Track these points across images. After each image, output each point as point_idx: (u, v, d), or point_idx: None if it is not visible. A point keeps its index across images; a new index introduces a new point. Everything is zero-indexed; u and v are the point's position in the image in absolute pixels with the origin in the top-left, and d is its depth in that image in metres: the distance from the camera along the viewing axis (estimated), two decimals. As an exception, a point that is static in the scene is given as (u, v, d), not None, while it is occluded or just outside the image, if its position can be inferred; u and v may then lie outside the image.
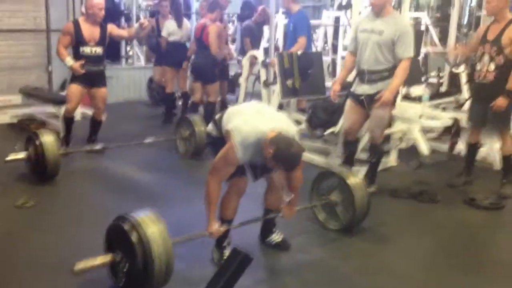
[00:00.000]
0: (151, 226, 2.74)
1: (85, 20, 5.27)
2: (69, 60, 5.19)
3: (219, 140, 3.18)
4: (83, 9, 5.62)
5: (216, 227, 3.09)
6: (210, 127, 3.33)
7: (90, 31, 5.25)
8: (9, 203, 4.09)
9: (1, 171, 4.75)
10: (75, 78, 5.31)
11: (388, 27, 4.17)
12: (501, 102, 4.37)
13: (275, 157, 2.83)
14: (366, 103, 4.34)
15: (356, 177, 3.74)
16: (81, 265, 2.67)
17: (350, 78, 4.68)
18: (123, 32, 5.42)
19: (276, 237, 3.52)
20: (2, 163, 4.56)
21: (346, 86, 5.00)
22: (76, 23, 5.26)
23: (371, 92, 4.29)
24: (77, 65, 5.18)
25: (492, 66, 4.45)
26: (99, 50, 5.32)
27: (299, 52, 5.48)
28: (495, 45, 4.41)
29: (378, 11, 4.21)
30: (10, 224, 3.82)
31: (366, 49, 4.25)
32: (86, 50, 5.25)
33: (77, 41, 5.21)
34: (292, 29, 6.30)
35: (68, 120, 5.53)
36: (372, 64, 4.25)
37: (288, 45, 6.31)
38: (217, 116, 3.31)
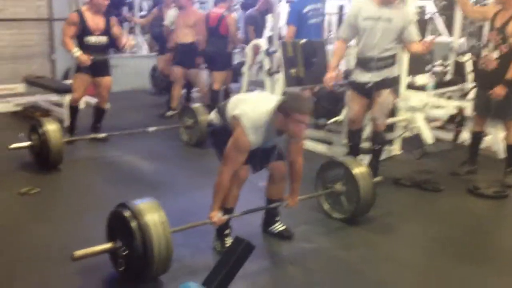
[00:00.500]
0: (151, 214, 2.74)
1: (88, 9, 5.25)
2: (76, 51, 5.18)
3: (221, 129, 3.19)
4: None
5: (219, 215, 3.10)
6: (213, 115, 3.32)
7: (94, 20, 5.24)
8: (13, 191, 4.11)
9: (5, 159, 4.78)
10: (80, 67, 5.30)
11: (396, 15, 4.20)
12: (499, 90, 4.36)
13: (285, 109, 2.92)
14: (373, 90, 4.33)
15: (361, 167, 3.72)
16: (81, 252, 2.68)
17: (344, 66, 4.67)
18: (118, 33, 5.44)
19: (278, 226, 3.52)
20: (6, 151, 4.57)
21: (346, 75, 4.99)
22: (80, 13, 5.24)
23: (377, 79, 4.30)
24: (85, 56, 5.17)
25: (495, 54, 4.43)
26: (104, 39, 5.31)
27: (302, 41, 5.44)
28: (501, 33, 4.38)
29: (387, 0, 4.20)
30: (14, 211, 3.84)
31: (374, 37, 4.24)
32: (92, 39, 5.24)
33: (83, 31, 5.19)
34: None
35: (74, 109, 5.56)
36: (381, 51, 4.26)
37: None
38: (220, 104, 3.30)
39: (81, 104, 5.99)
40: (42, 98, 6.76)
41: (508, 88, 4.37)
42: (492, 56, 4.46)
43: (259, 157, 3.21)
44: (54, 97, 6.46)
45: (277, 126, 3.00)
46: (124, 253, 2.75)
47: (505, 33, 4.36)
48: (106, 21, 5.31)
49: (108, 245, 2.81)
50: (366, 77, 4.34)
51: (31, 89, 6.80)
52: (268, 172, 3.39)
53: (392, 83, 4.33)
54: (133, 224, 2.71)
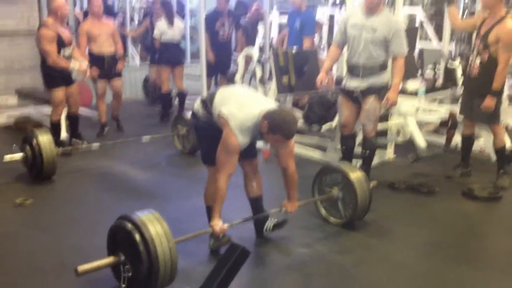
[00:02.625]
0: (153, 225, 2.72)
1: (54, 21, 5.18)
2: (74, 63, 5.21)
3: (205, 124, 3.21)
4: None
5: (220, 225, 3.09)
6: (197, 106, 3.30)
7: (65, 33, 5.27)
8: (7, 202, 4.09)
9: (-1, 171, 4.76)
10: (55, 82, 5.25)
11: (381, 25, 4.21)
12: (488, 103, 4.40)
13: (271, 126, 2.94)
14: (360, 97, 4.37)
15: (358, 172, 3.73)
16: (85, 266, 2.66)
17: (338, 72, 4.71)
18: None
19: (270, 222, 3.51)
20: (0, 163, 4.55)
21: (338, 81, 5.03)
22: (51, 27, 5.17)
23: (363, 86, 4.34)
24: (83, 66, 5.26)
25: (477, 61, 4.48)
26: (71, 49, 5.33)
27: (293, 50, 5.50)
28: (483, 41, 4.43)
29: (371, 9, 4.23)
30: (9, 222, 3.83)
31: (359, 45, 4.29)
32: (67, 52, 5.24)
33: (58, 44, 5.17)
34: (299, 27, 6.32)
35: (57, 124, 5.51)
36: (366, 59, 4.30)
37: (292, 42, 6.27)
38: (206, 96, 3.31)
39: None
40: (34, 110, 6.74)
41: (491, 95, 4.39)
42: (476, 62, 4.50)
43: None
44: (46, 109, 6.43)
45: (260, 130, 3.03)
46: (128, 267, 2.72)
47: (487, 40, 4.40)
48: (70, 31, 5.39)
49: (111, 259, 2.78)
50: (353, 84, 4.40)
51: (23, 102, 6.77)
52: (243, 170, 3.40)
53: (378, 90, 4.33)
54: (137, 237, 2.67)
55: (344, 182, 3.68)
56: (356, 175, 3.67)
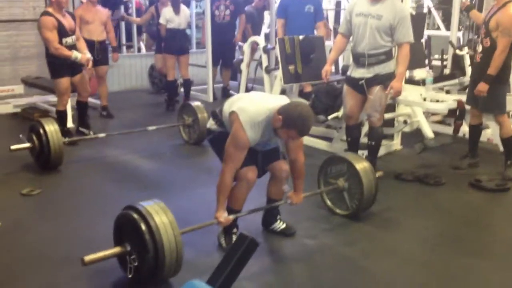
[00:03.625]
0: (159, 215, 2.72)
1: (55, 10, 5.15)
2: (76, 54, 5.19)
3: (220, 135, 3.16)
4: None
5: (225, 216, 3.09)
6: (210, 122, 3.30)
7: (67, 20, 5.24)
8: (15, 192, 4.10)
9: (6, 161, 4.78)
10: (60, 72, 5.25)
11: (386, 12, 4.17)
12: (481, 86, 4.38)
13: (286, 121, 2.87)
14: (365, 87, 4.34)
15: (364, 162, 3.71)
16: (91, 256, 2.67)
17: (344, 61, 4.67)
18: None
19: (280, 224, 3.51)
20: (7, 153, 4.57)
21: (344, 70, 4.99)
22: (52, 15, 5.15)
23: (369, 75, 4.31)
24: (85, 57, 5.24)
25: (480, 48, 4.45)
26: (74, 38, 5.31)
27: (300, 37, 5.44)
28: (485, 27, 4.40)
29: None
30: (16, 212, 3.84)
31: (364, 33, 4.25)
32: (69, 40, 5.22)
33: (59, 33, 5.15)
34: (313, 12, 6.26)
35: (63, 113, 5.52)
36: (371, 47, 4.26)
37: (298, 29, 6.08)
38: (215, 110, 3.29)
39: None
40: (41, 99, 6.75)
41: (491, 83, 4.36)
42: (479, 49, 4.48)
43: (260, 161, 3.21)
44: (52, 98, 6.44)
45: (273, 126, 2.98)
46: (134, 257, 2.73)
47: (487, 27, 4.37)
48: (72, 17, 5.34)
49: (117, 249, 2.78)
50: (359, 73, 4.36)
51: (30, 90, 6.78)
52: (270, 172, 3.37)
53: (384, 80, 4.29)
54: (143, 226, 2.68)
55: (350, 172, 3.67)
56: (361, 165, 3.65)
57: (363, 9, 4.26)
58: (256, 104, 3.00)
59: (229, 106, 3.09)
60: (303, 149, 3.29)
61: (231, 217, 3.13)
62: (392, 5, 4.20)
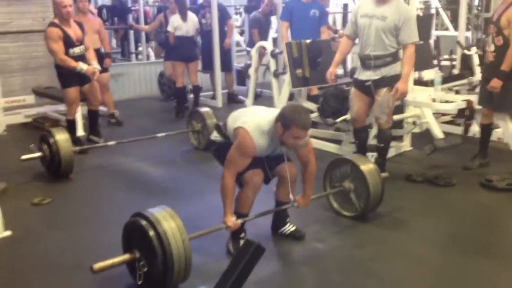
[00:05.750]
0: (168, 222, 2.73)
1: (60, 21, 5.20)
2: (82, 65, 5.24)
3: (226, 144, 3.17)
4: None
5: (233, 220, 3.09)
6: (214, 134, 3.33)
7: (74, 31, 5.28)
8: (26, 201, 4.14)
9: (17, 170, 4.83)
10: (68, 81, 5.30)
11: (391, 13, 4.16)
12: (494, 83, 4.37)
13: (284, 122, 2.91)
14: (372, 89, 4.32)
15: (369, 163, 3.71)
16: (100, 264, 2.68)
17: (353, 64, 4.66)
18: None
19: (289, 227, 3.51)
20: (18, 162, 4.62)
21: (352, 73, 4.98)
22: (58, 26, 5.20)
23: (375, 77, 4.30)
24: (91, 68, 5.29)
25: (492, 47, 4.43)
26: (83, 47, 5.36)
27: (307, 41, 5.44)
28: (496, 25, 4.38)
29: None
30: (27, 221, 3.87)
31: (370, 35, 4.24)
32: (76, 50, 5.27)
33: (65, 43, 5.20)
34: (318, 16, 6.26)
35: (72, 122, 5.58)
36: (377, 49, 4.25)
37: (304, 34, 6.05)
38: (220, 123, 3.32)
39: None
40: (52, 109, 6.82)
41: (505, 80, 4.34)
42: (491, 48, 4.46)
43: (267, 167, 3.21)
44: (63, 107, 6.49)
45: (277, 135, 3.01)
46: (143, 263, 2.74)
47: (499, 25, 4.35)
48: (80, 27, 5.37)
49: (126, 256, 2.80)
50: (365, 75, 4.35)
51: (41, 100, 6.85)
52: (278, 176, 3.37)
53: (390, 81, 4.27)
54: (151, 233, 2.69)
55: (355, 173, 3.66)
56: (366, 166, 3.65)
57: (367, 11, 4.26)
58: (259, 116, 3.07)
59: (233, 121, 3.13)
60: (313, 154, 3.29)
61: (239, 221, 3.14)
62: (396, 6, 4.19)
